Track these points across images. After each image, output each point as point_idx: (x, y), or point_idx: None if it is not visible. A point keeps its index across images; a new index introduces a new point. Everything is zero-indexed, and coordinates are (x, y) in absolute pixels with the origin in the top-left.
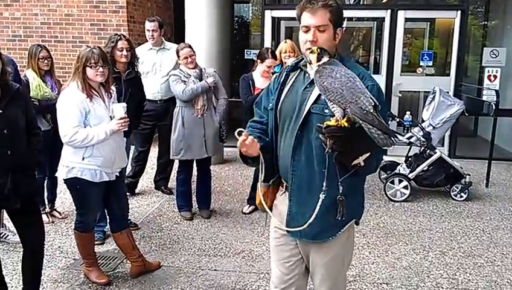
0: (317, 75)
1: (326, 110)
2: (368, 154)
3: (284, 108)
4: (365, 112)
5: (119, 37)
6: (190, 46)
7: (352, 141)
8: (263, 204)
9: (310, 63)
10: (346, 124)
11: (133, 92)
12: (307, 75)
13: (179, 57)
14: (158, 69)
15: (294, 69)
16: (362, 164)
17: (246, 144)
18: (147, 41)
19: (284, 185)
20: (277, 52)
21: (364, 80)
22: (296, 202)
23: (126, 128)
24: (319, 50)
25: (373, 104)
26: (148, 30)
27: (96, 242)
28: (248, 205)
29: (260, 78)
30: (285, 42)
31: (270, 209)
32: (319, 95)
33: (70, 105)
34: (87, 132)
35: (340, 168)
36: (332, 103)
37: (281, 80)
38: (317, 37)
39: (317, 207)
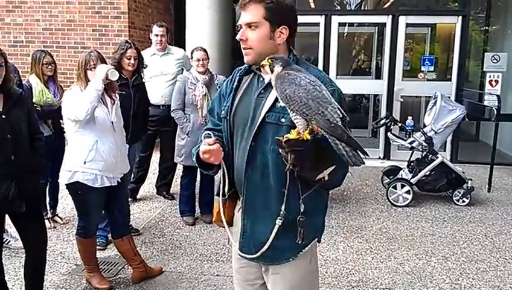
0: (278, 82)
1: (283, 120)
2: (332, 168)
3: (237, 116)
4: (333, 125)
5: (129, 45)
6: (205, 51)
7: (316, 155)
8: (222, 219)
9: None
10: (308, 137)
11: (139, 98)
12: (261, 79)
13: (192, 57)
14: (163, 74)
15: (247, 72)
16: (327, 178)
17: (212, 149)
18: (147, 47)
19: (241, 199)
20: None
21: (325, 85)
22: (250, 222)
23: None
24: (270, 61)
25: (341, 116)
26: (157, 35)
27: (98, 247)
28: None
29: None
30: None
31: (230, 225)
32: (275, 102)
33: (76, 98)
34: (80, 102)
35: (303, 184)
36: (295, 114)
37: (234, 85)
38: (247, 36)
39: (273, 234)
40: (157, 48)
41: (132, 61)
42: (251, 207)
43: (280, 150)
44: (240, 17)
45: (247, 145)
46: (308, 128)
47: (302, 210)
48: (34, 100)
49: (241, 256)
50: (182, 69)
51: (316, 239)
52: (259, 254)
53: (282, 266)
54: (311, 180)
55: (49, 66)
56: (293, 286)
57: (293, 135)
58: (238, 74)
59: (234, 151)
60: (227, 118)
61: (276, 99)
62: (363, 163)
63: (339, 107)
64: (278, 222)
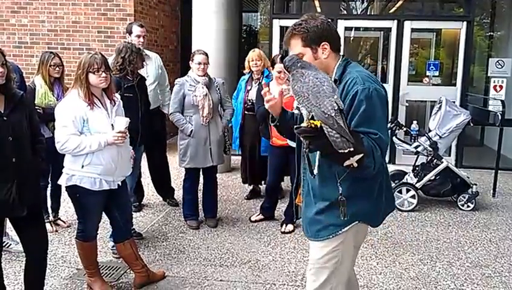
0: (291, 79)
1: None
2: (360, 156)
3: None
4: (326, 115)
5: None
6: (207, 55)
7: (330, 141)
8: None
9: None
10: (318, 125)
11: (143, 97)
12: None
13: (192, 60)
14: (146, 77)
15: None
16: (355, 165)
17: (269, 94)
18: (153, 50)
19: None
20: (246, 62)
21: (355, 85)
22: (305, 204)
23: (122, 143)
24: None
25: (336, 108)
26: (139, 36)
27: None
28: (258, 213)
29: (275, 85)
30: (253, 51)
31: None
32: None
33: (67, 112)
34: (80, 141)
35: (339, 170)
36: (301, 106)
37: None
38: None
39: (316, 210)
40: None
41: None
42: (306, 192)
43: (300, 137)
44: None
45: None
46: (317, 119)
47: (340, 192)
48: (36, 102)
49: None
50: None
51: (357, 222)
52: (308, 230)
53: (323, 241)
54: (340, 166)
55: (57, 68)
56: (329, 253)
57: (304, 123)
58: None
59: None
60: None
61: None
62: (350, 148)
63: (337, 101)
64: (322, 202)
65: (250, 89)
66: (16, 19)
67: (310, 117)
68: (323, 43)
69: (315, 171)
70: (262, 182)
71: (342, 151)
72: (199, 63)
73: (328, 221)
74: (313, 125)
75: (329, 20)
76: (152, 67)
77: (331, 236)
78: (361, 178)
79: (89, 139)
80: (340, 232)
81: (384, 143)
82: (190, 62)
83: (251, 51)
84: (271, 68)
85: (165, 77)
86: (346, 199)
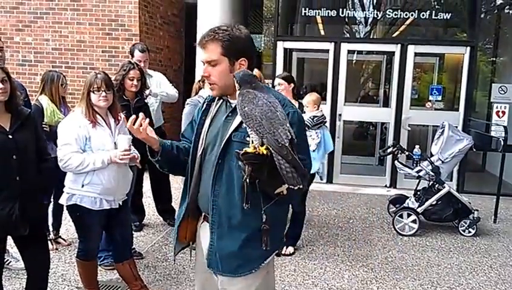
0: (239, 99)
1: (248, 138)
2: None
3: (208, 136)
4: (280, 145)
5: (132, 66)
6: None
7: (272, 169)
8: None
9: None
10: (265, 152)
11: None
12: (228, 104)
13: (204, 80)
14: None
15: (214, 99)
16: (285, 192)
17: (136, 127)
18: (157, 70)
19: (203, 215)
20: None
21: (285, 107)
22: (216, 236)
23: (127, 162)
24: (234, 79)
25: (290, 137)
26: (140, 61)
27: (106, 268)
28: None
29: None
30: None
31: (193, 241)
32: (241, 123)
33: (70, 130)
34: (83, 158)
35: (264, 196)
36: (250, 130)
37: (203, 111)
38: (209, 72)
39: (238, 244)
40: None
41: (135, 82)
42: (218, 221)
43: (239, 163)
44: (200, 54)
45: (214, 162)
46: (265, 145)
47: (264, 220)
48: (45, 120)
49: (208, 267)
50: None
51: (276, 252)
52: (224, 265)
53: (245, 278)
54: (271, 194)
55: (65, 88)
56: None
57: (250, 149)
58: (207, 101)
59: (202, 169)
60: (197, 139)
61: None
62: (300, 185)
63: (290, 130)
64: (243, 233)
65: None
66: (21, 37)
67: (260, 143)
68: (242, 58)
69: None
70: None
71: (292, 187)
72: None
73: (251, 254)
74: (260, 152)
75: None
76: (153, 87)
77: (253, 270)
78: (284, 205)
79: (92, 157)
80: (263, 264)
81: (310, 167)
82: (200, 83)
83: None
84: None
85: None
86: (269, 227)
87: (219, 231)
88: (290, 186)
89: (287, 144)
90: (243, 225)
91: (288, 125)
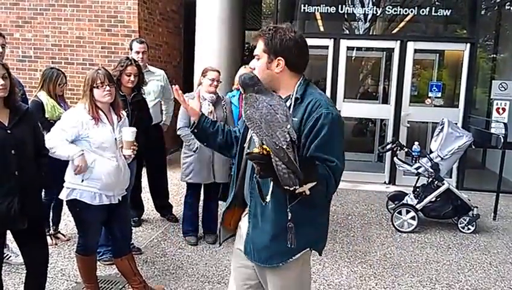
0: (243, 103)
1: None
2: (313, 184)
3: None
4: (278, 147)
5: (129, 62)
6: (219, 72)
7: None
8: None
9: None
10: (270, 152)
11: (139, 116)
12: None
13: (205, 76)
14: (146, 93)
15: None
16: (308, 192)
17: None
18: (157, 66)
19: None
20: (236, 78)
21: (319, 107)
22: (252, 226)
23: (132, 154)
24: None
25: (288, 139)
26: (138, 52)
27: (106, 263)
28: None
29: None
30: (244, 67)
31: (235, 230)
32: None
33: (69, 120)
34: (56, 144)
35: (289, 195)
36: (253, 132)
37: None
38: (254, 65)
39: (268, 237)
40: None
41: (132, 78)
42: (254, 212)
43: (253, 163)
44: None
45: None
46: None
47: (289, 217)
48: (46, 116)
49: (244, 253)
50: (162, 88)
51: (308, 249)
52: (256, 254)
53: (274, 269)
54: (286, 192)
55: (62, 87)
56: (286, 284)
57: (256, 149)
58: None
59: (247, 166)
60: (245, 132)
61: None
62: (295, 185)
63: (290, 132)
64: (272, 228)
65: None
66: (20, 33)
67: (261, 144)
68: (279, 57)
69: (268, 198)
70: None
71: (287, 187)
72: (212, 80)
73: (278, 248)
74: (265, 152)
75: (302, 38)
76: (154, 84)
77: (281, 264)
78: (312, 205)
79: (65, 147)
80: (291, 260)
81: (340, 171)
82: (201, 78)
83: (242, 67)
84: None
85: (170, 92)
86: (295, 225)
87: (254, 221)
88: (285, 187)
89: (284, 146)
90: (272, 220)
91: (289, 127)
